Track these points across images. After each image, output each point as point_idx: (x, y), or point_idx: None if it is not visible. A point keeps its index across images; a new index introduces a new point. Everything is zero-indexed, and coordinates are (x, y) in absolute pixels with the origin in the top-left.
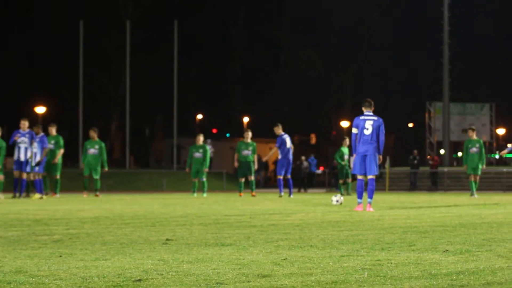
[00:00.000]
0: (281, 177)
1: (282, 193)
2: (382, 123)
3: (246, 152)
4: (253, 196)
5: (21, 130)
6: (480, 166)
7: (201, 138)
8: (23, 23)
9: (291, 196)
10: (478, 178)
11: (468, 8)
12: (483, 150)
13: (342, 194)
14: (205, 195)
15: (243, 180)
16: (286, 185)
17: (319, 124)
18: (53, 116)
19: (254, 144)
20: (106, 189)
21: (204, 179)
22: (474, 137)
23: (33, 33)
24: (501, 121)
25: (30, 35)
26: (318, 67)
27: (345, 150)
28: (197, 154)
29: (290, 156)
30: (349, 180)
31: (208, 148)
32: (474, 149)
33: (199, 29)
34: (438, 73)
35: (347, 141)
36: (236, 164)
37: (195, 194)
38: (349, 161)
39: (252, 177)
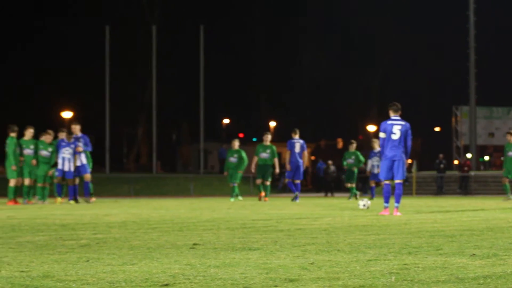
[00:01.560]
0: (291, 181)
1: (297, 198)
2: (409, 127)
3: (265, 155)
4: (266, 200)
5: (74, 135)
6: None
7: (236, 143)
8: (50, 28)
9: (296, 200)
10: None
11: (494, 11)
12: None
13: (356, 198)
14: (232, 199)
15: (260, 181)
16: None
17: (345, 128)
18: (79, 121)
19: (273, 147)
20: (133, 194)
21: (236, 184)
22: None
23: (60, 38)
24: None
25: (56, 40)
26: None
27: (348, 154)
28: (232, 159)
29: (299, 161)
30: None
31: (244, 153)
32: (511, 153)
33: (225, 34)
34: (464, 77)
35: (354, 146)
36: (253, 167)
37: (233, 199)
38: (365, 163)
39: (268, 182)
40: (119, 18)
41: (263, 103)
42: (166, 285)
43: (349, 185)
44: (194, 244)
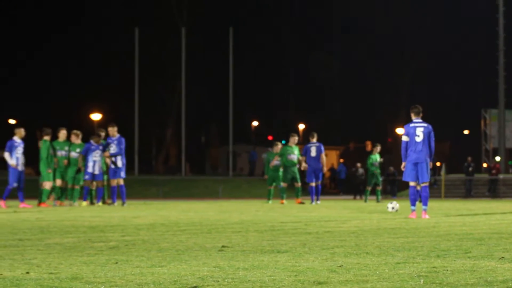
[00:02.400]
0: (313, 184)
1: (313, 202)
2: (432, 129)
3: (292, 156)
4: (300, 203)
5: (112, 137)
6: None
7: (279, 147)
8: (79, 30)
9: (316, 202)
10: None
11: None
12: None
13: (365, 200)
14: (270, 202)
15: (285, 185)
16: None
17: (374, 131)
18: (109, 124)
19: (297, 148)
20: (162, 196)
21: (283, 185)
22: None
23: (89, 41)
24: None
25: (85, 42)
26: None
27: (374, 156)
28: (275, 162)
29: (316, 164)
30: (379, 187)
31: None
32: None
33: (254, 35)
34: (493, 80)
35: (378, 148)
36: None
37: (271, 202)
38: (380, 167)
39: (299, 184)
40: (149, 19)
41: (292, 105)
42: (195, 287)
43: (377, 188)
44: (223, 246)
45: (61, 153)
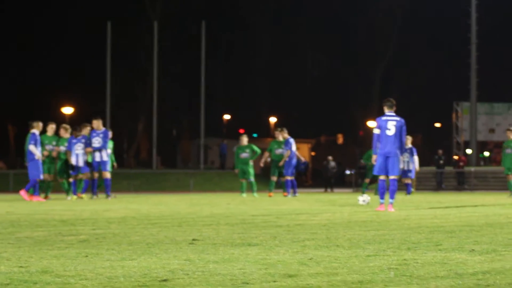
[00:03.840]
0: (292, 178)
1: (296, 194)
2: (404, 123)
3: (280, 151)
4: (286, 196)
5: (97, 131)
6: None
7: (245, 139)
8: (51, 24)
9: (294, 195)
10: None
11: (495, 7)
12: None
13: (363, 193)
14: (256, 195)
15: (275, 179)
16: (285, 184)
17: (346, 124)
18: (80, 117)
19: (252, 146)
20: (133, 190)
21: (252, 179)
22: (511, 137)
23: (61, 34)
24: None
25: (57, 36)
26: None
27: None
28: (244, 155)
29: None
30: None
31: (254, 146)
32: (509, 150)
33: (227, 29)
34: (465, 73)
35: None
36: (264, 161)
37: (244, 194)
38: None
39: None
40: (121, 13)
41: (264, 98)
42: (165, 280)
43: (367, 180)
44: (194, 239)
45: (49, 147)
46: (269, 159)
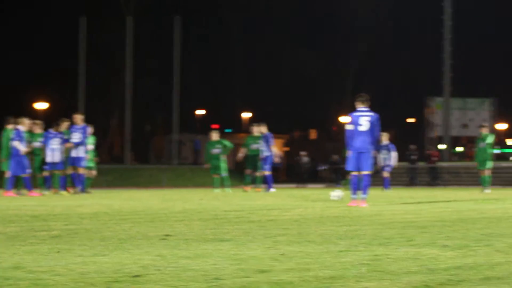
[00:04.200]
0: (270, 173)
1: (272, 189)
2: (377, 119)
3: (255, 146)
4: (259, 191)
5: (76, 126)
6: (488, 161)
7: (215, 135)
8: (25, 20)
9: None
10: (488, 172)
11: (469, 2)
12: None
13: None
14: (228, 190)
15: (249, 172)
16: (265, 181)
17: (319, 119)
18: (54, 112)
19: (223, 141)
20: (106, 185)
21: (224, 174)
22: (485, 132)
23: (35, 29)
24: (502, 116)
25: (31, 31)
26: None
27: None
28: (215, 150)
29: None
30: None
31: (226, 140)
32: (482, 145)
33: (200, 25)
34: (439, 68)
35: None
36: (239, 156)
37: (217, 190)
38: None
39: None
40: (95, 9)
41: (237, 94)
42: (137, 276)
43: None
44: (166, 235)
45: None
46: (241, 155)
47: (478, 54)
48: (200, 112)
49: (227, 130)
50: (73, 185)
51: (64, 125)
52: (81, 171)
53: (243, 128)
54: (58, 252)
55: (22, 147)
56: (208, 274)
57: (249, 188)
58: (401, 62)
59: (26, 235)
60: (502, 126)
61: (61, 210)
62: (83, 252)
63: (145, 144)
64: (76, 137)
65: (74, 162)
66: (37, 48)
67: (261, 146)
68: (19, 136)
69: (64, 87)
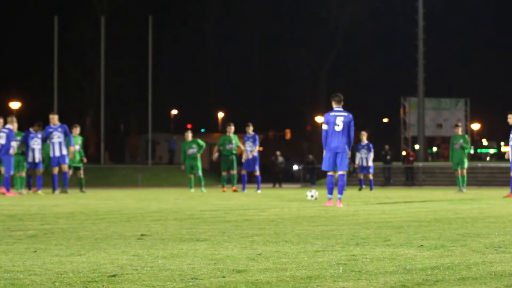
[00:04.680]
0: (244, 173)
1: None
2: (352, 119)
3: (230, 146)
4: (234, 191)
5: (52, 125)
6: (464, 160)
7: (189, 135)
8: None
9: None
10: (463, 171)
11: (442, 3)
12: (467, 145)
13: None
14: (204, 190)
15: (226, 174)
16: (255, 181)
17: (293, 119)
18: (27, 112)
19: (198, 140)
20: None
21: (200, 173)
22: (460, 133)
23: (7, 28)
24: (475, 116)
25: (5, 30)
26: (293, 61)
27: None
28: (191, 150)
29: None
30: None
31: (200, 140)
32: (457, 146)
33: (173, 24)
34: (413, 68)
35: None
36: (214, 157)
37: (193, 190)
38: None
39: (235, 171)
40: (68, 8)
41: (211, 93)
42: (114, 275)
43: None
44: (142, 234)
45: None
46: (216, 154)
47: (452, 54)
48: (174, 111)
49: (201, 130)
50: (53, 185)
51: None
52: (65, 168)
53: (218, 128)
54: (35, 251)
55: (14, 147)
56: (185, 274)
57: (224, 189)
58: (376, 62)
59: (2, 234)
60: (475, 126)
61: (37, 210)
62: (59, 251)
63: (120, 143)
64: (56, 136)
65: (59, 161)
66: (11, 47)
67: (234, 146)
68: (12, 135)
69: (37, 86)
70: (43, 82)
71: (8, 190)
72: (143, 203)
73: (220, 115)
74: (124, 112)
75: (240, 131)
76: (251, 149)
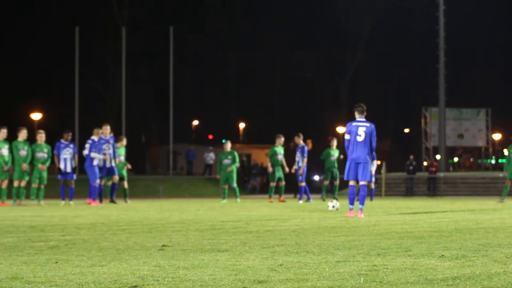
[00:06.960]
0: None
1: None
2: (374, 129)
3: (226, 161)
4: (282, 201)
5: (103, 137)
6: None
7: (228, 145)
8: (20, 29)
9: (301, 201)
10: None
11: (463, 13)
12: None
13: (323, 197)
14: (238, 200)
15: (273, 184)
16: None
17: (315, 130)
18: (49, 123)
19: (234, 152)
20: (103, 196)
21: (235, 185)
22: None
23: (29, 39)
24: (497, 126)
25: (26, 41)
26: (314, 71)
27: (333, 151)
28: (226, 161)
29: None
30: (336, 182)
31: (236, 153)
32: None
33: (195, 35)
34: (434, 79)
35: (334, 142)
36: (270, 169)
37: (225, 200)
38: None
39: (283, 183)
40: (89, 19)
41: (232, 104)
42: (135, 286)
43: (326, 182)
44: (163, 245)
45: (22, 153)
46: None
47: (473, 64)
48: (195, 122)
49: (223, 141)
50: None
51: (67, 136)
52: (115, 180)
53: (240, 139)
54: (56, 262)
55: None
56: (206, 285)
57: (272, 200)
58: (397, 72)
59: (24, 245)
60: (496, 136)
61: (58, 221)
62: (80, 262)
63: (141, 154)
64: (107, 148)
65: (109, 172)
66: (32, 58)
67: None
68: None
69: (58, 97)
70: (64, 93)
71: (94, 199)
72: (164, 213)
73: (242, 125)
74: (145, 123)
75: (262, 142)
76: (300, 160)
